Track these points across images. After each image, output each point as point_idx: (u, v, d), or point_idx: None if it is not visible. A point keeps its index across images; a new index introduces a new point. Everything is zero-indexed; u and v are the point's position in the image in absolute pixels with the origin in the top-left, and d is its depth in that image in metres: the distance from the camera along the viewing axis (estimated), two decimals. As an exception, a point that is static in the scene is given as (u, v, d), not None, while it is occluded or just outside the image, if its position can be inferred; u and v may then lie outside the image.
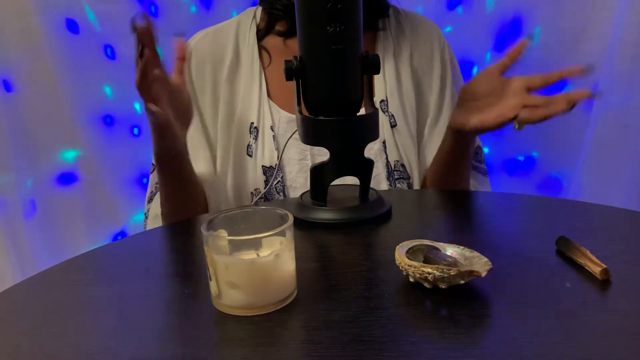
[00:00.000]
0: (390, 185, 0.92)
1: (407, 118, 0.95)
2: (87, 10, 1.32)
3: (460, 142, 0.89)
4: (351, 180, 0.76)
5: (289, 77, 0.71)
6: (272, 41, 0.97)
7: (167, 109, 0.74)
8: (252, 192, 0.91)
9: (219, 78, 0.95)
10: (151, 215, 0.96)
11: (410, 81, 0.97)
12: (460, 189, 0.95)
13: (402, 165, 0.93)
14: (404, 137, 0.94)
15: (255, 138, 0.92)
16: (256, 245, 0.53)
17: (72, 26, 1.31)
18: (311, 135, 0.72)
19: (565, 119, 1.34)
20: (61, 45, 1.29)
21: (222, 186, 0.94)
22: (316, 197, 0.75)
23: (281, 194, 0.90)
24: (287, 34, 0.96)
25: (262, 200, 0.90)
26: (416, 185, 0.95)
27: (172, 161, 0.83)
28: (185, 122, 0.81)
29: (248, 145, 0.92)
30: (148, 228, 0.98)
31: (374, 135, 0.73)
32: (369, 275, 0.59)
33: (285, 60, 0.71)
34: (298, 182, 0.91)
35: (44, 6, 1.26)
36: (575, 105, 0.77)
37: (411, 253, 0.57)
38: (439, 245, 0.59)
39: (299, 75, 0.71)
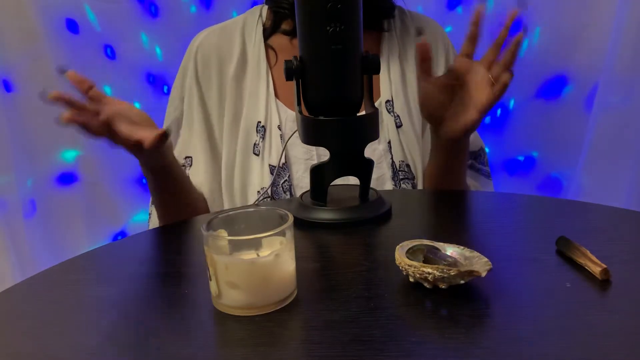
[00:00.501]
0: (395, 185, 0.92)
1: (413, 118, 0.95)
2: (87, 10, 1.32)
3: (455, 148, 0.87)
4: (351, 180, 0.76)
5: (289, 77, 0.71)
6: (278, 40, 0.97)
7: (130, 129, 0.74)
8: (258, 191, 0.91)
9: (226, 76, 0.95)
10: (152, 223, 0.97)
11: (415, 81, 0.97)
12: (460, 190, 0.95)
13: (407, 166, 0.93)
14: (409, 137, 0.94)
15: (263, 137, 0.92)
16: (256, 245, 0.53)
17: (72, 26, 1.31)
18: (311, 135, 0.72)
19: (565, 119, 1.34)
20: (61, 45, 1.29)
21: (228, 186, 0.95)
22: (316, 197, 0.75)
23: (288, 193, 0.90)
24: (293, 33, 0.95)
25: (268, 199, 0.90)
26: (420, 185, 0.94)
27: (160, 174, 0.84)
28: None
29: (255, 144, 0.92)
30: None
31: (374, 135, 0.73)
32: (369, 275, 0.59)
33: (285, 60, 0.71)
34: (304, 182, 0.90)
35: (44, 6, 1.26)
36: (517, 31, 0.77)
37: (411, 253, 0.57)
38: (439, 245, 0.59)
39: (299, 75, 0.71)
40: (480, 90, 0.77)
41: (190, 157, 0.96)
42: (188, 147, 0.96)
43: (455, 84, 0.80)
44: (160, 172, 0.84)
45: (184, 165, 0.96)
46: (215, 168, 0.96)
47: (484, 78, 0.77)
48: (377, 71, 0.72)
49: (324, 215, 0.72)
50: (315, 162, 0.90)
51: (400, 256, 0.56)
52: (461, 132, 0.81)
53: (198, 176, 0.95)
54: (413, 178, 0.93)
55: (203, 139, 0.95)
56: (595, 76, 1.25)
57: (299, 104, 0.72)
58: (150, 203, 0.99)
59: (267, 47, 0.97)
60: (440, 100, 0.81)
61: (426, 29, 1.00)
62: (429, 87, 0.81)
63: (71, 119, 0.72)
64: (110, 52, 1.36)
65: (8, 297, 0.60)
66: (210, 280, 0.54)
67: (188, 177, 0.93)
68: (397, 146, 0.93)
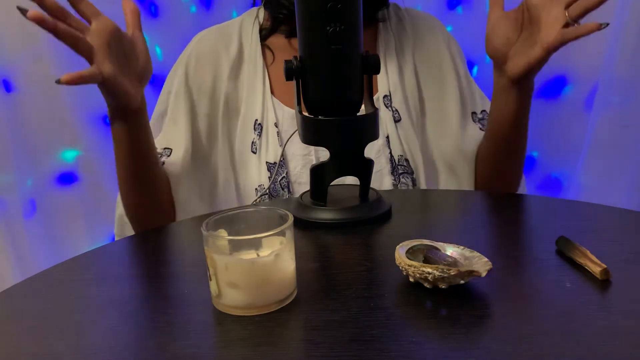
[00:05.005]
0: (394, 180, 0.92)
1: (411, 113, 0.95)
2: (87, 10, 1.31)
3: (518, 91, 0.84)
4: (351, 180, 0.76)
5: (288, 77, 0.71)
6: (275, 40, 0.98)
7: (105, 63, 0.72)
8: (256, 189, 0.91)
9: (221, 74, 0.95)
10: (117, 215, 0.97)
11: (413, 76, 0.97)
12: (462, 190, 0.95)
13: (406, 160, 0.93)
14: (407, 131, 0.94)
15: (260, 135, 0.92)
16: (256, 245, 0.53)
17: (72, 26, 1.31)
18: (311, 135, 0.72)
19: (565, 119, 1.34)
20: (61, 45, 1.29)
21: (227, 185, 0.95)
22: (316, 197, 0.75)
23: (286, 190, 0.90)
24: (291, 34, 0.96)
25: (267, 196, 0.90)
26: (421, 179, 0.94)
27: (126, 121, 0.80)
28: (141, 77, 0.80)
29: (252, 142, 0.93)
30: (116, 230, 0.99)
31: (374, 135, 0.73)
32: (369, 275, 0.59)
33: (285, 60, 0.71)
34: (302, 178, 0.91)
35: (44, 6, 1.26)
36: None
37: (411, 253, 0.57)
38: (439, 245, 0.59)
39: (299, 75, 0.71)
40: (550, 28, 0.75)
41: (170, 149, 0.95)
42: (170, 140, 0.96)
43: (525, 19, 0.78)
44: (129, 117, 0.80)
45: (160, 154, 0.94)
46: (186, 160, 0.94)
47: (558, 16, 0.75)
48: (377, 71, 0.72)
49: (324, 215, 0.72)
50: (313, 158, 0.91)
51: (400, 256, 0.56)
52: (525, 70, 0.79)
53: (175, 166, 0.93)
54: (412, 172, 0.93)
55: (187, 137, 0.95)
56: (595, 76, 1.25)
57: (298, 103, 0.72)
58: (117, 202, 0.97)
59: (264, 46, 0.97)
60: (508, 35, 0.80)
61: (422, 23, 1.00)
62: (499, 20, 0.80)
63: (38, 17, 0.69)
64: (110, 52, 1.36)
65: (8, 297, 0.60)
66: (210, 280, 0.54)
67: (155, 148, 0.88)
68: (395, 140, 0.93)
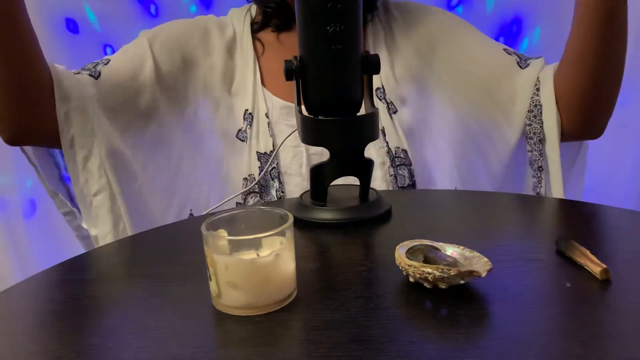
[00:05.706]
0: (392, 171, 0.92)
1: (407, 103, 0.96)
2: (87, 10, 1.32)
3: None
4: (352, 180, 0.76)
5: (289, 77, 0.71)
6: (264, 35, 1.01)
7: None
8: (245, 178, 0.92)
9: (209, 50, 0.97)
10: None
11: (410, 59, 0.97)
12: (461, 190, 0.95)
13: (404, 151, 0.93)
14: (405, 122, 0.94)
15: (250, 124, 0.93)
16: (256, 245, 0.53)
17: (72, 26, 1.31)
18: (311, 135, 0.72)
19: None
20: (61, 45, 1.29)
21: (215, 171, 0.95)
22: (316, 197, 0.75)
23: (276, 180, 0.91)
24: (279, 28, 0.98)
25: (257, 186, 0.91)
26: (418, 173, 0.94)
27: None
28: None
29: (240, 129, 0.93)
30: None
31: (374, 135, 0.73)
32: (369, 275, 0.59)
33: (285, 61, 0.71)
34: (292, 169, 0.92)
35: (43, 6, 1.26)
36: None
37: (411, 253, 0.57)
38: (439, 245, 0.59)
39: (299, 75, 0.71)
40: None
41: (110, 59, 0.94)
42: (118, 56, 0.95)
43: None
44: None
45: (99, 64, 0.93)
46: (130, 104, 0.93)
47: None
48: (377, 71, 0.72)
49: (324, 215, 0.72)
50: (302, 149, 0.92)
51: (400, 256, 0.56)
52: None
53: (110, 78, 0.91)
54: (410, 164, 0.93)
55: (139, 63, 0.94)
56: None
57: (299, 103, 0.72)
58: None
59: (254, 39, 1.00)
60: None
61: (415, 8, 1.01)
62: None
63: None
64: (110, 52, 1.36)
65: (8, 297, 0.60)
66: (210, 280, 0.54)
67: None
68: (391, 132, 0.93)
